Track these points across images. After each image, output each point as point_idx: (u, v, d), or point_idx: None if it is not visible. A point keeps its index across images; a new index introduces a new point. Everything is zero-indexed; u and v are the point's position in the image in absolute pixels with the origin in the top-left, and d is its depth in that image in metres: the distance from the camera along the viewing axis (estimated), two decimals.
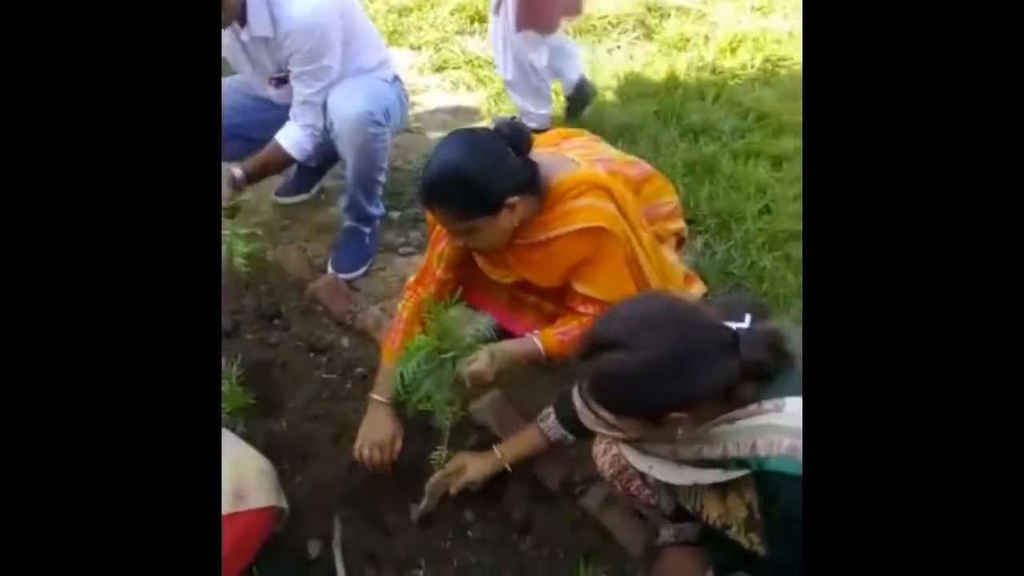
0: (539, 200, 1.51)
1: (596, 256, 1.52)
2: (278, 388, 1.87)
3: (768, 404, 1.11)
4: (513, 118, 1.54)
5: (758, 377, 1.12)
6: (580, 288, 1.55)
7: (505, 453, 1.55)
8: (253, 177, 2.08)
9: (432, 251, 1.70)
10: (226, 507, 1.30)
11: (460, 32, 3.59)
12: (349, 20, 2.04)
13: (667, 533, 1.51)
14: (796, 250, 2.25)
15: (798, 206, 2.40)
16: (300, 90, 2.03)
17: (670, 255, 1.75)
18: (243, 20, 1.95)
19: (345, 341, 2.00)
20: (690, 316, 1.12)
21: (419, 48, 3.46)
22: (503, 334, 1.74)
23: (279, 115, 2.11)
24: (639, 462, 1.28)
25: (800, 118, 2.87)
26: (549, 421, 1.53)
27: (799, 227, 2.32)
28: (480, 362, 1.52)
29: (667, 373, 1.06)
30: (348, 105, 2.00)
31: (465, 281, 1.74)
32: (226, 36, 2.03)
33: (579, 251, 1.52)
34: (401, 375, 1.49)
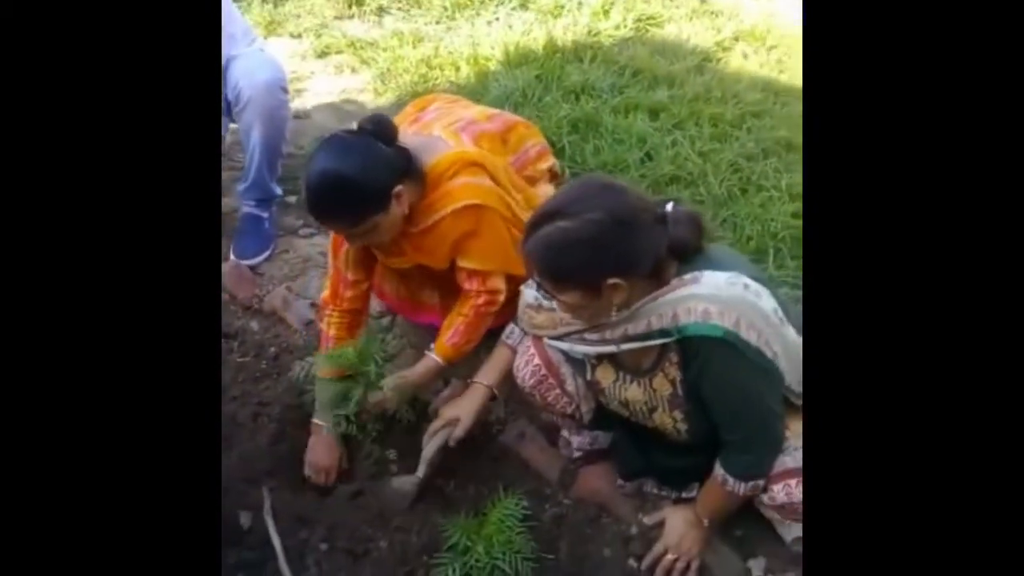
0: (420, 184, 1.56)
1: (476, 230, 1.58)
2: None
3: (687, 277, 1.25)
4: (373, 114, 1.58)
5: (680, 255, 1.26)
6: (463, 262, 1.61)
7: (488, 381, 1.60)
8: None
9: (336, 258, 1.71)
10: None
11: (339, 17, 3.59)
12: None
13: (582, 441, 1.63)
14: (676, 191, 2.41)
15: (675, 151, 2.57)
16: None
17: (546, 189, 1.85)
18: None
19: (255, 324, 2.03)
20: (626, 189, 1.26)
21: (299, 36, 3.45)
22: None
23: None
24: (564, 345, 1.40)
25: (672, 69, 3.04)
26: (514, 335, 1.60)
27: (677, 171, 2.49)
28: (381, 394, 1.62)
29: (610, 234, 1.18)
30: (258, 73, 2.05)
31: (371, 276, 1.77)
32: None
33: (460, 228, 1.57)
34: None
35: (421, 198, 1.56)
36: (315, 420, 1.70)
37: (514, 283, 1.61)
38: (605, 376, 1.45)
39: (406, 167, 1.52)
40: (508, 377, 1.60)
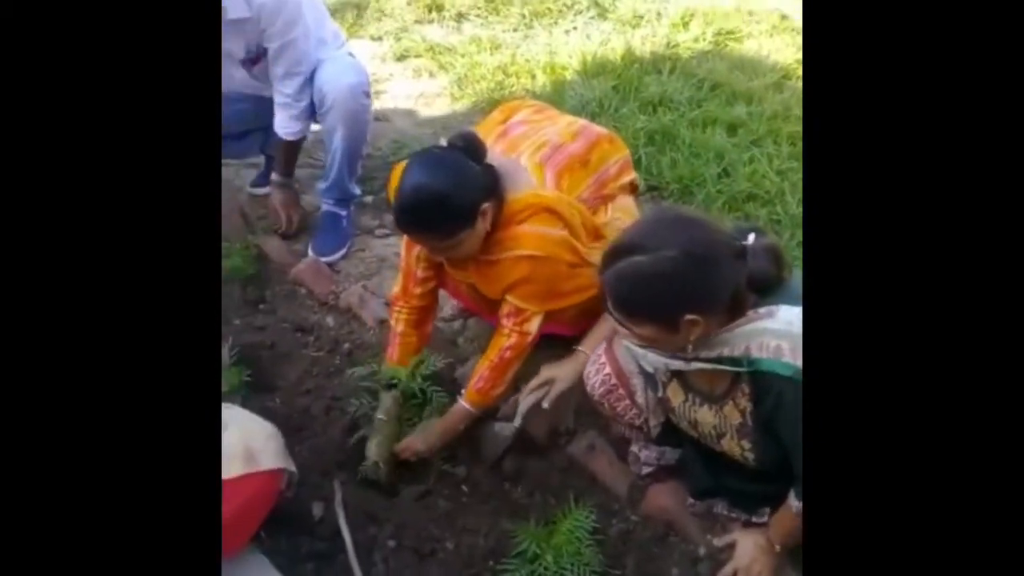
0: (499, 208, 1.57)
1: (532, 278, 1.58)
2: (269, 368, 1.94)
3: (762, 311, 1.23)
4: (463, 131, 1.61)
5: (759, 289, 1.23)
6: (510, 298, 1.62)
7: (589, 349, 1.62)
8: (285, 172, 2.30)
9: (408, 255, 1.74)
10: (239, 469, 1.37)
11: (419, 21, 3.65)
12: None
13: (650, 455, 1.62)
14: (753, 209, 2.38)
15: (752, 168, 2.53)
16: (279, 66, 2.08)
17: (625, 201, 1.84)
18: None
19: (330, 320, 2.08)
20: (705, 223, 1.24)
21: (379, 39, 3.52)
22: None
23: (249, 107, 2.17)
24: (638, 351, 1.37)
25: (751, 85, 3.00)
26: None
27: (754, 188, 2.45)
28: (413, 439, 1.66)
29: (685, 273, 1.16)
30: (343, 77, 2.10)
31: (441, 275, 1.79)
32: None
33: (518, 272, 1.58)
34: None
35: (494, 228, 1.58)
36: (378, 416, 1.72)
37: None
38: (675, 395, 1.44)
39: (493, 186, 1.54)
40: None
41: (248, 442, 1.43)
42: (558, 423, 1.77)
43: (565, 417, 1.78)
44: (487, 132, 1.72)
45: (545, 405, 1.61)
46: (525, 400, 1.64)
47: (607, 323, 1.60)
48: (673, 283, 1.17)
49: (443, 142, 1.57)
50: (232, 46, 2.09)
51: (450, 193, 1.46)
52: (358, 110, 2.14)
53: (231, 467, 1.38)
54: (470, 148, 1.53)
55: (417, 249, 1.71)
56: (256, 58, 2.12)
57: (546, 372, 1.65)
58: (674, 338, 1.24)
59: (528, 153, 1.66)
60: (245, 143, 2.37)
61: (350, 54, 2.28)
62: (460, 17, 3.65)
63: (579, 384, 1.62)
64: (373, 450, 1.66)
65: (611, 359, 1.53)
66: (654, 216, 1.33)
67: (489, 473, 1.71)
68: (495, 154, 1.62)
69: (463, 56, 3.28)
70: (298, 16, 2.03)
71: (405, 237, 1.71)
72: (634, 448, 1.67)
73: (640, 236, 1.23)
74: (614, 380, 1.52)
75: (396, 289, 1.78)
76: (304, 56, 2.09)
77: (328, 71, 2.12)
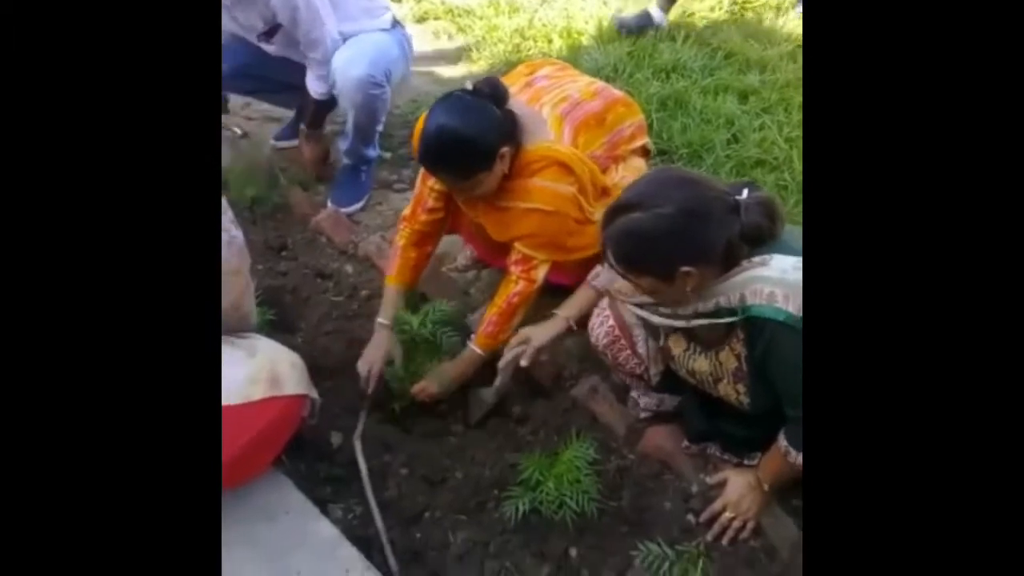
0: (516, 154, 1.65)
1: (540, 231, 1.68)
2: (291, 310, 2.05)
3: (756, 259, 1.30)
4: (488, 77, 1.69)
5: (752, 241, 1.31)
6: (519, 246, 1.72)
7: (568, 314, 1.70)
8: (312, 124, 2.41)
9: (423, 185, 1.84)
10: (263, 392, 1.46)
11: None
12: None
13: (650, 401, 1.71)
14: (761, 175, 2.44)
15: (762, 135, 2.59)
16: (297, 35, 2.16)
17: (638, 163, 1.92)
18: None
19: (349, 268, 2.18)
20: (699, 181, 1.32)
21: (400, 1, 3.57)
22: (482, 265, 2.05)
23: (281, 67, 2.28)
24: (641, 312, 1.46)
25: (765, 54, 3.04)
26: (600, 279, 1.68)
27: (763, 155, 2.52)
28: (425, 382, 1.75)
29: (680, 227, 1.25)
30: (351, 68, 2.14)
31: (450, 212, 1.90)
32: None
33: (527, 224, 1.68)
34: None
35: (508, 174, 1.66)
36: (379, 319, 1.84)
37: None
38: (676, 345, 1.52)
39: (512, 131, 1.63)
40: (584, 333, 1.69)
41: (274, 367, 1.50)
42: (563, 369, 1.87)
43: (569, 363, 1.88)
44: (512, 82, 1.80)
45: (523, 363, 1.68)
46: (505, 359, 1.71)
47: (586, 291, 1.70)
48: (669, 238, 1.26)
49: (468, 86, 1.65)
50: (250, 21, 2.19)
51: (472, 135, 1.55)
52: (366, 100, 2.18)
53: (256, 390, 1.46)
54: (494, 93, 1.62)
55: (432, 180, 1.80)
56: (271, 30, 2.21)
57: (524, 332, 1.71)
58: (671, 289, 1.32)
59: (550, 105, 1.75)
60: (282, 97, 2.51)
61: (395, 22, 2.33)
62: None
63: (583, 333, 1.71)
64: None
65: (615, 311, 1.62)
66: (652, 176, 1.40)
67: (498, 415, 1.81)
68: (518, 102, 1.71)
69: (481, 19, 3.34)
70: None
71: (423, 168, 1.80)
72: (634, 394, 1.76)
73: (638, 194, 1.31)
74: (617, 332, 1.61)
75: (406, 211, 1.89)
76: (316, 27, 2.14)
77: (340, 58, 2.16)
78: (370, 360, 1.79)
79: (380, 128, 2.37)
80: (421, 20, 3.44)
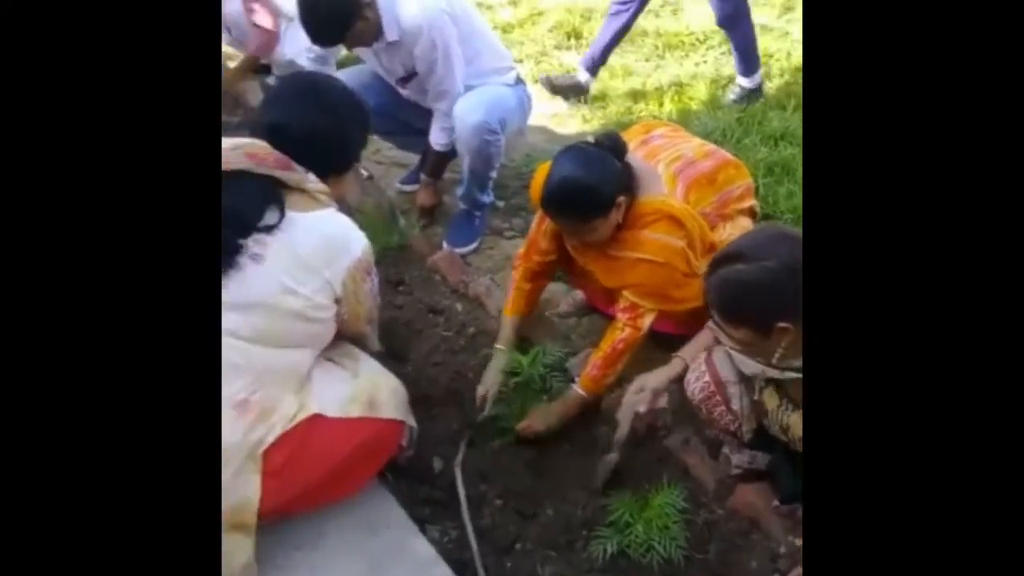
0: (630, 205, 1.77)
1: (649, 281, 1.78)
2: (403, 341, 2.20)
3: None
4: (610, 131, 1.83)
5: None
6: (627, 294, 1.81)
7: (686, 356, 1.76)
8: (431, 174, 2.63)
9: (538, 228, 1.99)
10: (359, 411, 1.53)
11: (558, 47, 3.92)
12: (465, 23, 2.35)
13: (742, 458, 1.74)
14: None
15: None
16: (428, 85, 2.37)
17: (744, 222, 1.98)
18: (379, 33, 2.27)
19: (459, 306, 2.33)
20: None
21: (521, 61, 3.80)
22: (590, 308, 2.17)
23: (413, 113, 2.49)
24: (737, 356, 1.49)
25: None
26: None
27: None
28: (530, 421, 1.85)
29: (783, 283, 1.28)
30: (469, 115, 2.31)
31: (562, 255, 2.01)
32: (364, 49, 2.40)
33: (636, 275, 1.78)
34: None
35: (621, 224, 1.77)
36: (496, 345, 1.98)
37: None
38: (770, 400, 1.55)
39: (629, 183, 1.75)
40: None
41: (374, 391, 1.58)
42: (657, 419, 1.93)
43: (663, 414, 1.94)
44: (630, 138, 1.93)
45: (641, 410, 1.74)
46: (623, 408, 1.76)
47: (706, 335, 1.74)
48: (769, 292, 1.29)
49: (590, 139, 1.79)
50: (392, 65, 2.41)
51: (593, 183, 1.68)
52: (481, 145, 2.34)
53: (353, 408, 1.53)
54: (615, 147, 1.75)
55: (546, 225, 1.94)
56: (408, 77, 2.42)
57: (640, 380, 1.77)
58: (766, 343, 1.35)
59: (665, 163, 1.86)
60: (410, 140, 2.72)
61: (518, 79, 2.52)
62: None
63: (679, 385, 1.77)
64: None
65: (711, 367, 1.67)
66: (759, 231, 1.46)
67: (591, 456, 1.88)
68: (635, 157, 1.83)
69: (596, 81, 3.50)
70: (439, 43, 2.26)
71: (539, 212, 1.94)
72: (726, 450, 1.79)
73: (744, 247, 1.36)
74: (712, 387, 1.65)
75: (519, 252, 2.05)
76: (447, 78, 2.33)
77: (461, 105, 2.33)
78: (488, 383, 1.92)
79: (494, 175, 2.54)
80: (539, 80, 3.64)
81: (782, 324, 1.31)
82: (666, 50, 3.78)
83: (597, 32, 3.45)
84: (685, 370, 1.75)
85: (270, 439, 1.40)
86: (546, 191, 1.73)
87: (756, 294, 1.31)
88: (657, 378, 1.75)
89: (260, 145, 1.44)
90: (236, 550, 1.38)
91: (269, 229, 1.37)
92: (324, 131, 1.50)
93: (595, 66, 3.39)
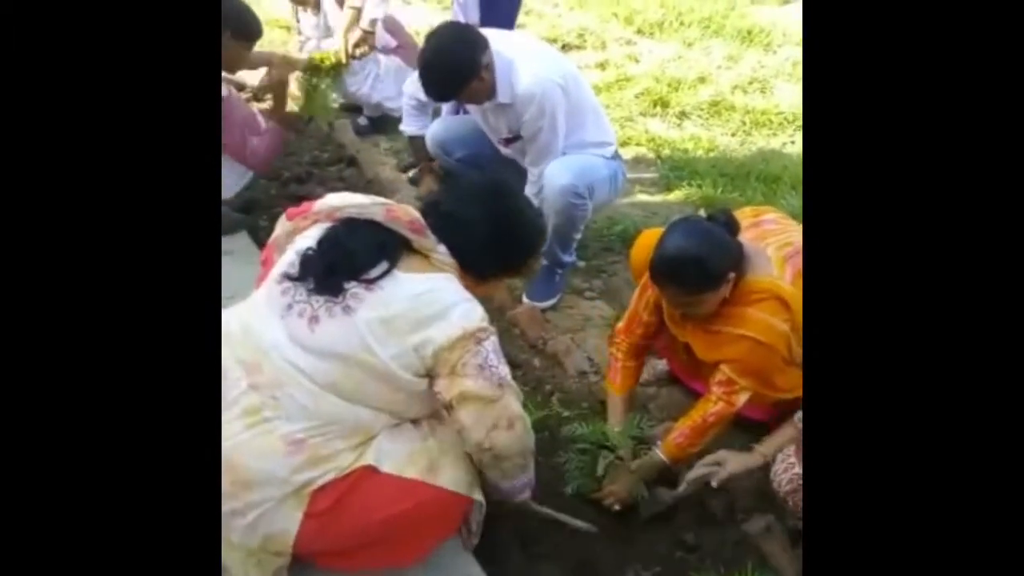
0: (740, 278, 1.76)
1: (750, 359, 1.75)
2: None
3: None
4: (724, 208, 1.84)
5: None
6: (724, 368, 1.78)
7: (767, 452, 1.74)
8: None
9: (639, 299, 1.98)
10: (413, 473, 1.41)
11: (643, 114, 3.97)
12: (575, 97, 2.41)
13: None
14: None
15: None
16: (528, 149, 2.42)
17: None
18: (492, 93, 2.35)
19: (537, 361, 2.32)
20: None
21: None
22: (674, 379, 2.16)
23: (511, 171, 2.54)
24: None
25: None
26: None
27: None
28: (614, 488, 1.84)
29: None
30: (557, 177, 2.35)
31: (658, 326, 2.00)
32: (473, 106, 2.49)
33: (737, 351, 1.75)
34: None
35: (727, 300, 1.76)
36: (614, 428, 1.94)
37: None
38: None
39: (739, 259, 1.74)
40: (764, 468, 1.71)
41: (437, 456, 1.46)
42: (736, 502, 1.87)
43: (742, 497, 1.88)
44: (740, 218, 1.92)
45: (713, 483, 1.72)
46: (696, 473, 1.75)
47: (789, 430, 1.72)
48: None
49: (702, 213, 1.78)
50: (499, 124, 2.48)
51: (706, 256, 1.67)
52: (566, 207, 2.36)
53: (408, 468, 1.41)
54: (728, 223, 1.76)
55: (647, 296, 1.93)
56: (513, 138, 2.48)
57: (721, 455, 1.75)
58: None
59: (775, 247, 1.84)
60: None
61: (615, 155, 2.56)
62: (683, 115, 3.92)
63: (764, 467, 1.72)
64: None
65: (800, 460, 1.63)
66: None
67: (668, 541, 1.82)
68: (745, 237, 1.83)
69: (683, 152, 3.52)
70: (547, 112, 2.32)
71: (642, 284, 1.93)
72: None
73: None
74: (800, 481, 1.61)
75: (620, 325, 2.02)
76: (548, 147, 2.38)
77: (552, 167, 2.37)
78: (622, 488, 1.86)
79: (578, 236, 2.55)
80: (623, 145, 3.68)
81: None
82: (753, 127, 3.80)
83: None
84: (764, 465, 1.72)
85: (320, 482, 1.34)
86: (658, 259, 1.72)
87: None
88: (737, 462, 1.73)
89: (405, 208, 1.43)
90: (268, 563, 1.38)
91: (370, 282, 1.34)
92: (506, 237, 1.51)
93: None
